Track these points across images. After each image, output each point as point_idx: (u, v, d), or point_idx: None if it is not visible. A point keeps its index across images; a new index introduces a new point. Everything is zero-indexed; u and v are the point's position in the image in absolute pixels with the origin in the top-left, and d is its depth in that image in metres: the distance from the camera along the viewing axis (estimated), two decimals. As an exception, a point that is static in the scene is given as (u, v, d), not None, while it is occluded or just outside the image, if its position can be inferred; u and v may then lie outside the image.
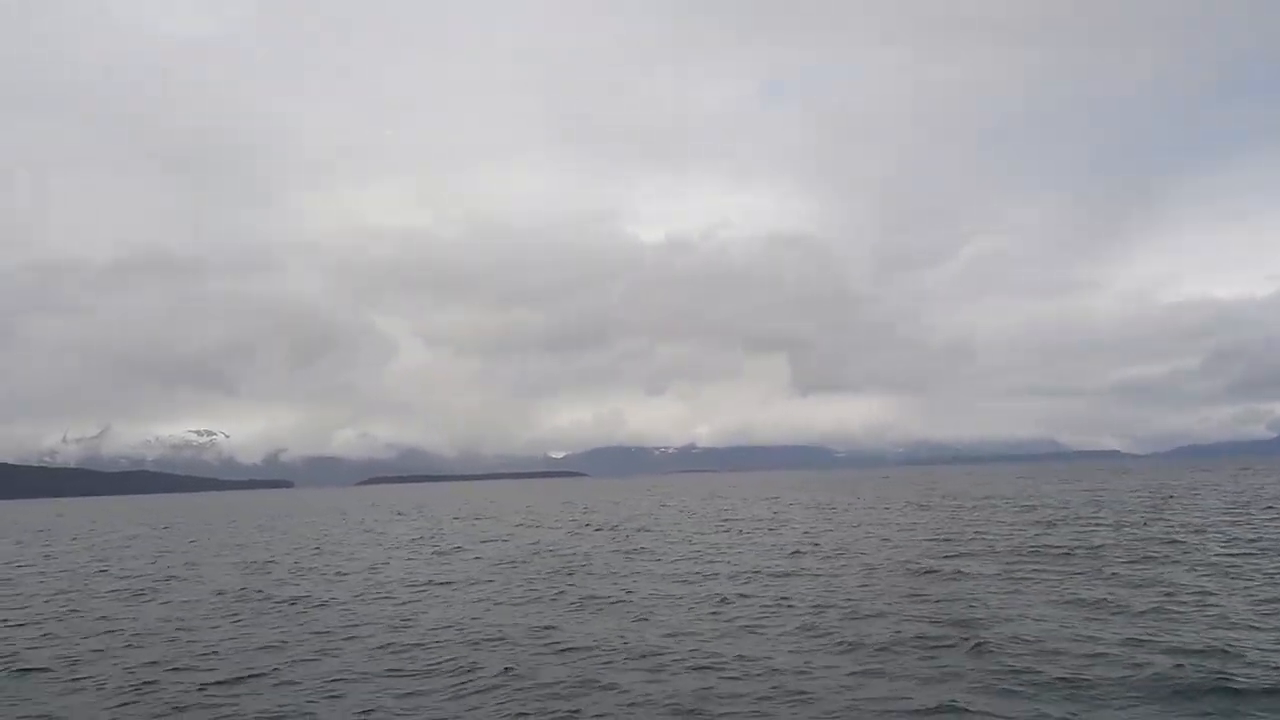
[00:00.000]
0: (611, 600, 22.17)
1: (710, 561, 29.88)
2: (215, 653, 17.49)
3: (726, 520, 52.36)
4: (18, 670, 16.58)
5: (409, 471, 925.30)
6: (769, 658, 15.13)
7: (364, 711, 12.99)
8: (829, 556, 30.14)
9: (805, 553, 31.56)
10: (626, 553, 34.21)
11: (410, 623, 20.04)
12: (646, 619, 19.35)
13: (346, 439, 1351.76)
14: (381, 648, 17.38)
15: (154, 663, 16.68)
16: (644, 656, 15.57)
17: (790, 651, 15.52)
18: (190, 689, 14.66)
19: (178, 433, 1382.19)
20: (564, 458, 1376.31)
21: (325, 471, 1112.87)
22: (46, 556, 45.03)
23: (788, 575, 25.53)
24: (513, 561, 32.52)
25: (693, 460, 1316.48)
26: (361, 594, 25.02)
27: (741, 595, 21.93)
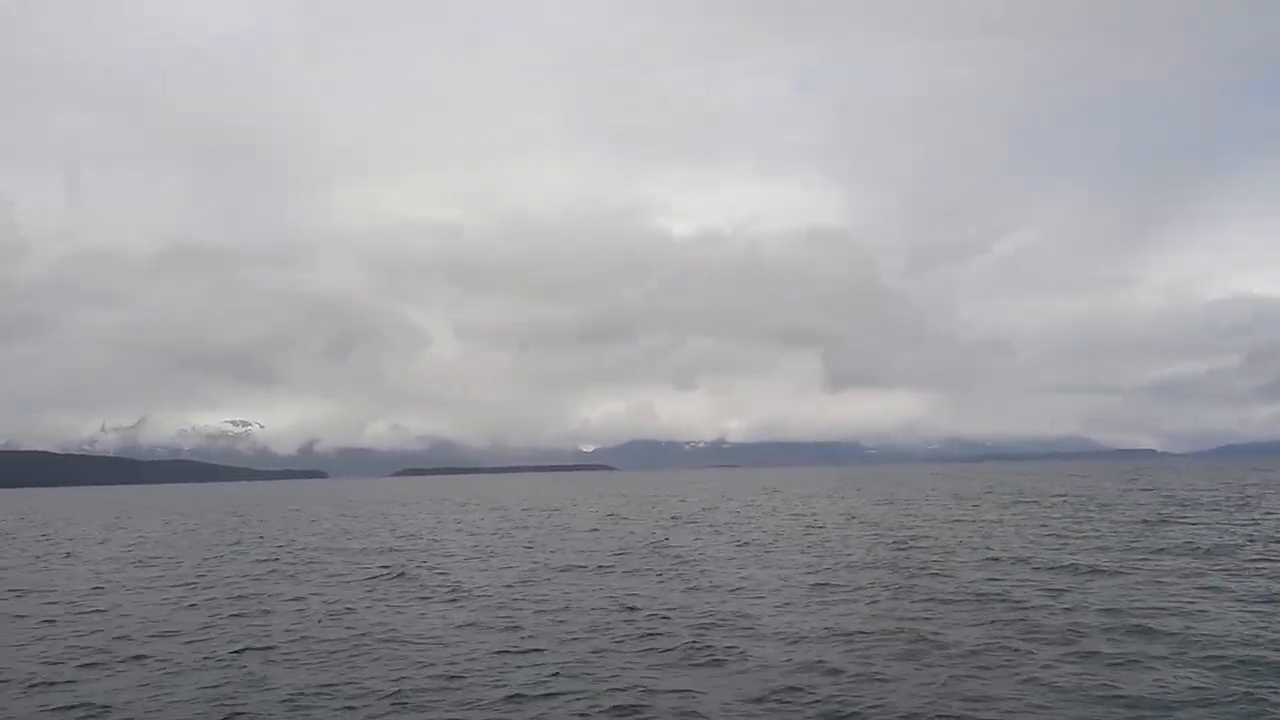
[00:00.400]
0: (773, 588, 22.67)
1: (829, 554, 30.24)
2: (440, 629, 18.34)
3: (810, 514, 52.71)
4: (236, 650, 17.06)
5: (440, 463, 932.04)
6: (987, 648, 15.55)
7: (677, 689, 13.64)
8: (949, 551, 30.37)
9: (918, 548, 31.73)
10: (737, 544, 34.67)
11: (590, 604, 20.69)
12: (824, 606, 19.84)
13: (378, 431, 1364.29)
14: (595, 628, 18.10)
15: (389, 639, 17.52)
16: (861, 644, 16.08)
17: (1005, 645, 15.74)
18: (461, 662, 15.43)
19: (213, 423, 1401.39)
20: (594, 451, 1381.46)
21: (358, 463, 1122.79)
22: (148, 540, 46.17)
23: (920, 568, 25.87)
24: (627, 550, 33.16)
25: (723, 455, 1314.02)
26: (512, 581, 25.65)
27: (903, 586, 22.35)
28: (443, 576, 26.84)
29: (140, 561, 34.69)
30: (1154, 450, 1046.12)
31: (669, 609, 19.99)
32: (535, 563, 30.05)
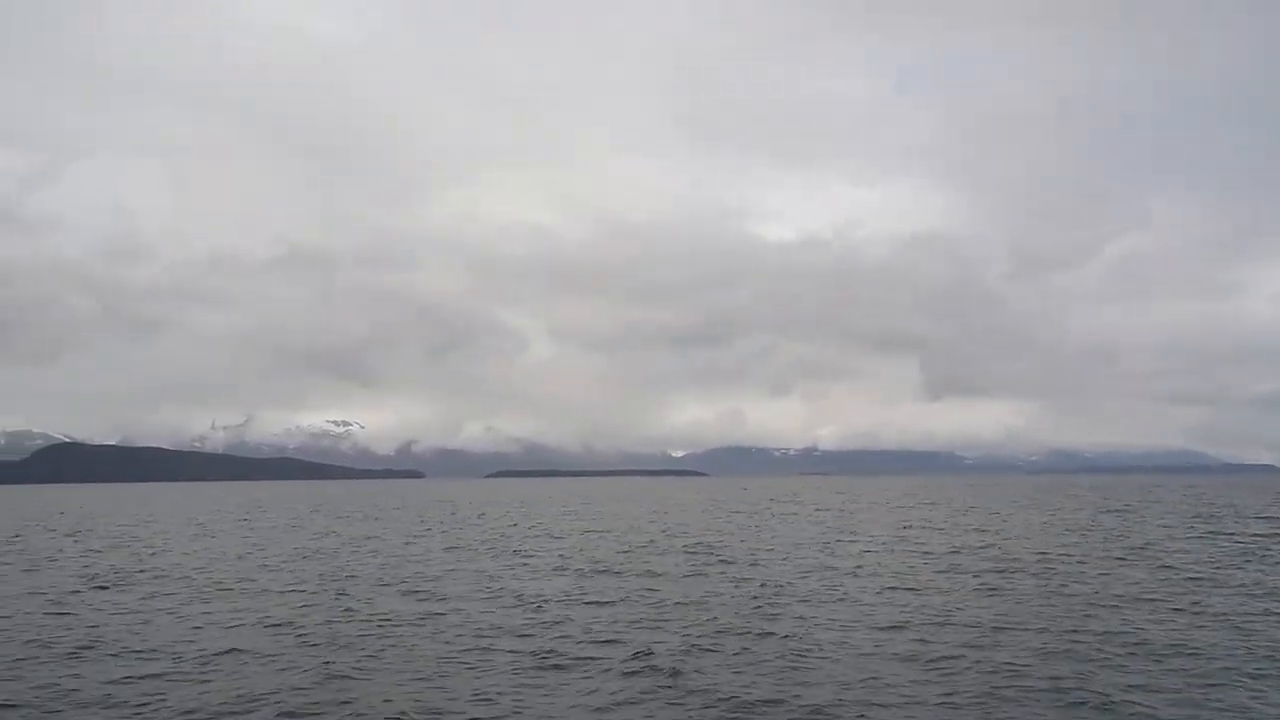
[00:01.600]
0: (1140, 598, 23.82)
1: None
2: (850, 638, 19.96)
3: (1068, 524, 52.82)
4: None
5: (532, 465, 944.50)
6: None
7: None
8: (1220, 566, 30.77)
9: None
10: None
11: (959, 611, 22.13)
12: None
13: (473, 432, 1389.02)
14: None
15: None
16: None
17: None
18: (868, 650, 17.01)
19: (317, 422, 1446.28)
20: (684, 456, 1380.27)
21: (453, 463, 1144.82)
22: (430, 537, 48.81)
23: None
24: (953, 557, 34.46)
25: (813, 463, 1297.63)
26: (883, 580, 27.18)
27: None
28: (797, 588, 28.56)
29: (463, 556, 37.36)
30: (1272, 465, 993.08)
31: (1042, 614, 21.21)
32: (840, 572, 31.62)
